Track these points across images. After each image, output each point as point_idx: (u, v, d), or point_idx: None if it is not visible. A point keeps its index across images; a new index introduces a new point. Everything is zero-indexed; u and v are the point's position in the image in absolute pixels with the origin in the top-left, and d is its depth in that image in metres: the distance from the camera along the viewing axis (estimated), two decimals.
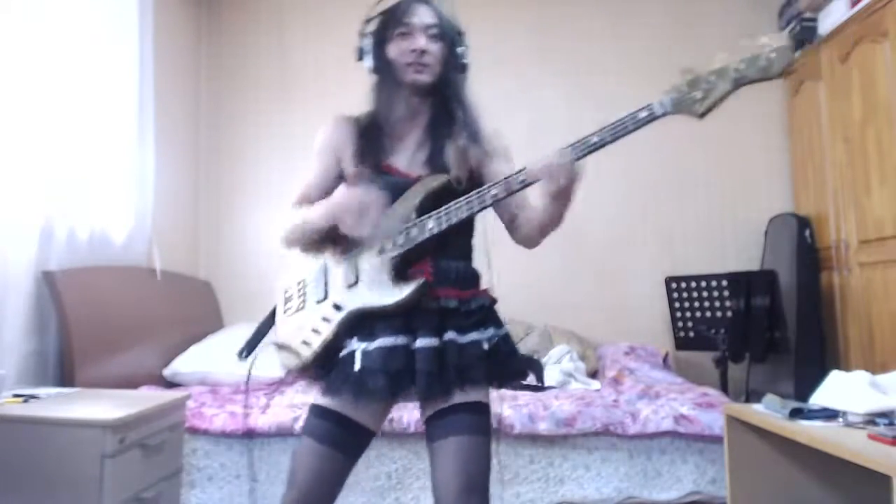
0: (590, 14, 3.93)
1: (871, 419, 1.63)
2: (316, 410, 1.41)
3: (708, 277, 3.28)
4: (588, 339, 3.54)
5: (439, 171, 1.46)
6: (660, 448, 2.35)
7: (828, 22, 3.30)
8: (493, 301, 1.51)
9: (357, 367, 1.36)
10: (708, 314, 3.26)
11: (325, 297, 1.45)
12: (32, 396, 2.01)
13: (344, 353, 1.40)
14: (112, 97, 2.95)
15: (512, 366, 1.46)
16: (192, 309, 3.45)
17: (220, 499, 2.40)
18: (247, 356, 1.55)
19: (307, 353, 1.43)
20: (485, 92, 4.27)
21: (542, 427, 2.36)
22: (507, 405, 2.45)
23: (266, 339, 1.55)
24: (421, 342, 1.37)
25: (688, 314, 3.33)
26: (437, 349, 1.37)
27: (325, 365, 1.42)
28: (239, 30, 4.03)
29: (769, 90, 3.80)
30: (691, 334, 3.32)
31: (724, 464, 2.02)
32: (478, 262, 1.55)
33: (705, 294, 3.27)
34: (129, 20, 3.08)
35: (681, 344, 3.38)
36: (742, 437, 1.94)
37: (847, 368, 2.79)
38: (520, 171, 1.39)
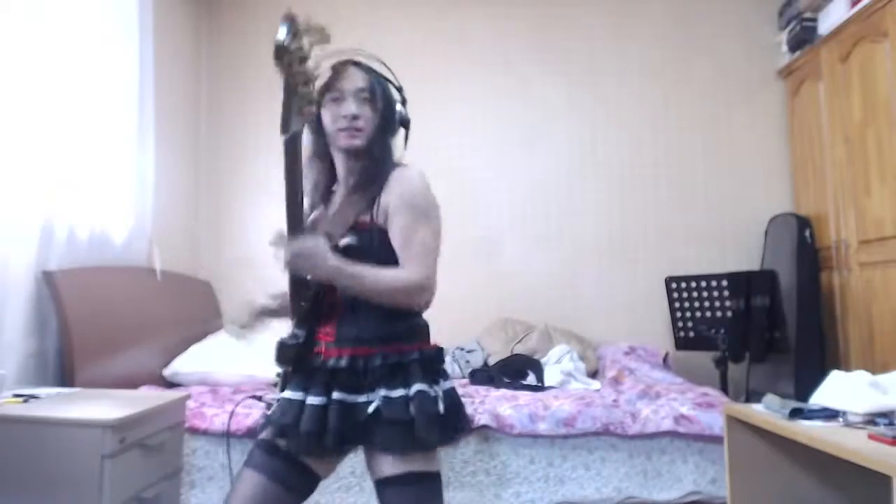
0: (590, 14, 3.93)
1: (872, 419, 1.63)
2: (262, 444, 1.44)
3: (708, 277, 3.28)
4: (588, 339, 3.54)
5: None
6: (660, 448, 2.35)
7: (828, 22, 3.31)
8: (423, 356, 1.40)
9: (270, 412, 1.44)
10: (708, 314, 3.26)
11: None
12: (32, 396, 2.01)
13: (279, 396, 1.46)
14: (112, 97, 2.95)
15: (413, 431, 1.31)
16: (192, 309, 3.45)
17: (220, 499, 2.40)
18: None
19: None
20: (484, 92, 4.27)
21: (543, 427, 2.36)
22: (507, 405, 2.45)
23: None
24: (310, 400, 1.37)
25: (688, 314, 3.33)
26: (322, 408, 1.35)
27: None
28: (239, 30, 4.03)
29: (769, 90, 3.82)
30: (691, 334, 3.32)
31: (724, 464, 2.02)
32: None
33: (705, 294, 3.28)
34: (129, 20, 3.08)
35: (681, 344, 3.38)
36: (742, 437, 1.94)
37: (847, 368, 2.79)
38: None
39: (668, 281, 3.39)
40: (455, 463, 2.37)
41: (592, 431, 2.36)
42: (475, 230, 3.79)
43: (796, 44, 3.54)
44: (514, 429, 2.37)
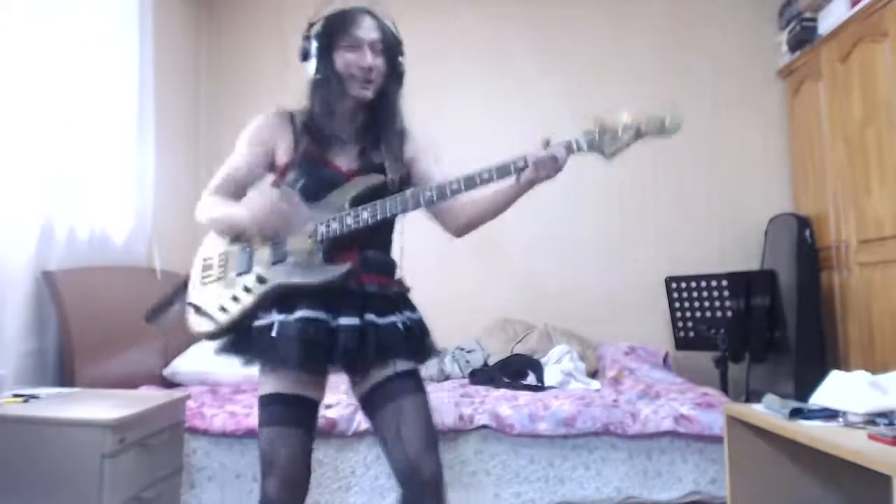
0: (589, 14, 3.93)
1: (871, 419, 1.63)
2: (265, 400, 1.49)
3: (708, 277, 3.28)
4: (588, 339, 3.54)
5: (372, 171, 1.57)
6: (660, 448, 2.35)
7: (828, 22, 3.30)
8: (407, 289, 1.65)
9: (273, 334, 1.45)
10: (708, 314, 3.26)
11: (249, 271, 1.54)
12: (32, 396, 2.01)
13: (260, 323, 1.49)
14: (112, 97, 2.95)
15: (425, 344, 1.60)
16: None
17: (220, 499, 2.40)
18: (153, 320, 1.68)
19: (223, 319, 1.52)
20: (483, 91, 4.25)
21: (543, 427, 2.36)
22: (507, 405, 2.45)
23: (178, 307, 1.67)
24: (343, 321, 1.47)
25: (688, 314, 3.33)
26: (359, 328, 1.47)
27: (238, 334, 1.52)
28: (239, 30, 4.03)
29: (769, 90, 3.82)
30: (691, 334, 3.32)
31: (724, 464, 2.02)
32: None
33: (705, 294, 3.28)
34: (129, 20, 3.08)
35: (681, 344, 3.38)
36: (742, 437, 1.94)
37: (847, 368, 2.79)
38: (518, 158, 1.59)
39: (668, 281, 3.39)
40: (455, 463, 2.37)
41: (592, 431, 2.36)
42: (474, 230, 3.79)
43: (796, 44, 3.54)
44: (513, 429, 2.37)
